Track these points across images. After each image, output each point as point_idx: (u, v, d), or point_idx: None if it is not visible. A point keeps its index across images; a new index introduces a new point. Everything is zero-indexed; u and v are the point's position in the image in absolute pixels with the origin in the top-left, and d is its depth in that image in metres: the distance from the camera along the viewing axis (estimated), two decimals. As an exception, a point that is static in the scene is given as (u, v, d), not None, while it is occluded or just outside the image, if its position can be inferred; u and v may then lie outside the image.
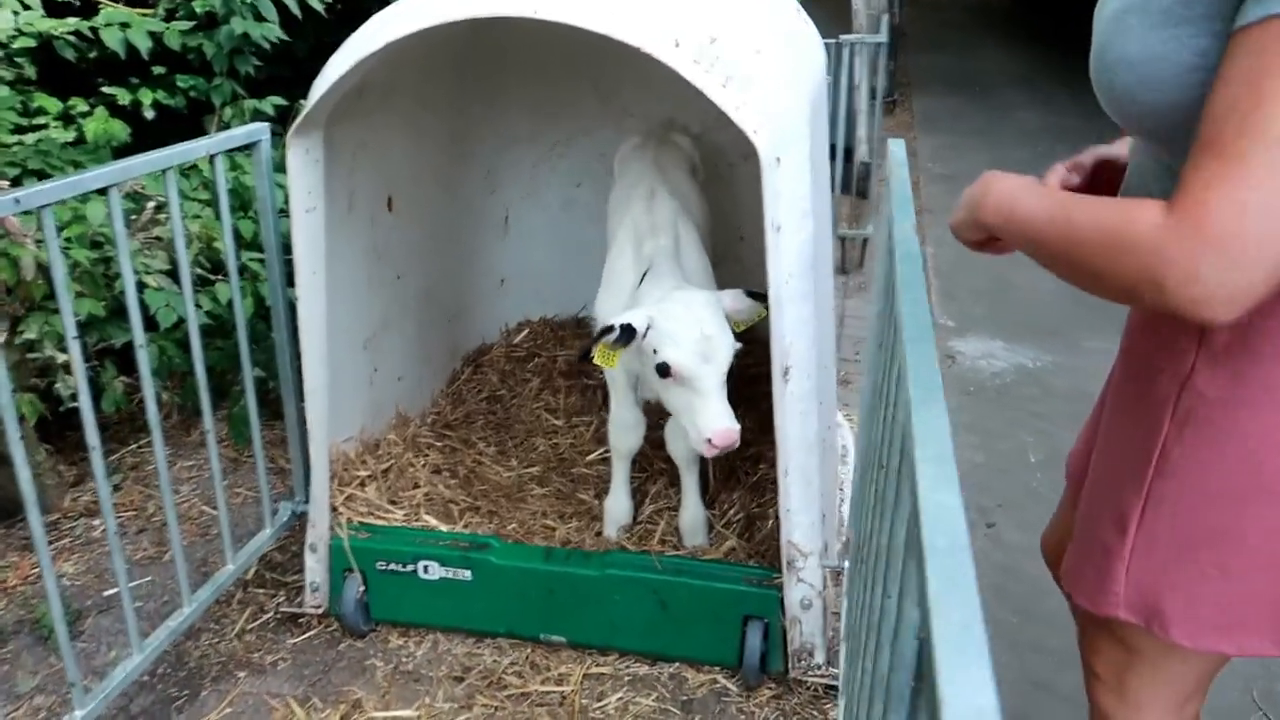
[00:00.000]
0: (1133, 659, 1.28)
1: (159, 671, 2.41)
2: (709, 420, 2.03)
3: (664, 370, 2.06)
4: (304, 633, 2.53)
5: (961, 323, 4.58)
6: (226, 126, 3.40)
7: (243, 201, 3.18)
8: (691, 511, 2.50)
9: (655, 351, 2.08)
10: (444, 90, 3.02)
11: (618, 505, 2.58)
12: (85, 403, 1.90)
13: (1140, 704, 1.30)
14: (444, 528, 2.51)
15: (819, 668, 2.27)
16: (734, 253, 3.66)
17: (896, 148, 1.96)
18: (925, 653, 0.68)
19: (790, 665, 2.27)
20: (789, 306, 2.01)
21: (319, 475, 2.39)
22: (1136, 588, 1.20)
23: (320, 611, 2.52)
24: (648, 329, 2.09)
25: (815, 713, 2.25)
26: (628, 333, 2.09)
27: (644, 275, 2.32)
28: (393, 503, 2.60)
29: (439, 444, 2.94)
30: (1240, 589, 1.15)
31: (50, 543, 2.84)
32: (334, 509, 2.47)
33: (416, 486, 2.69)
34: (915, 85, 10.33)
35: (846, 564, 2.36)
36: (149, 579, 2.74)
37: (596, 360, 2.13)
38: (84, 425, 1.91)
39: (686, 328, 2.06)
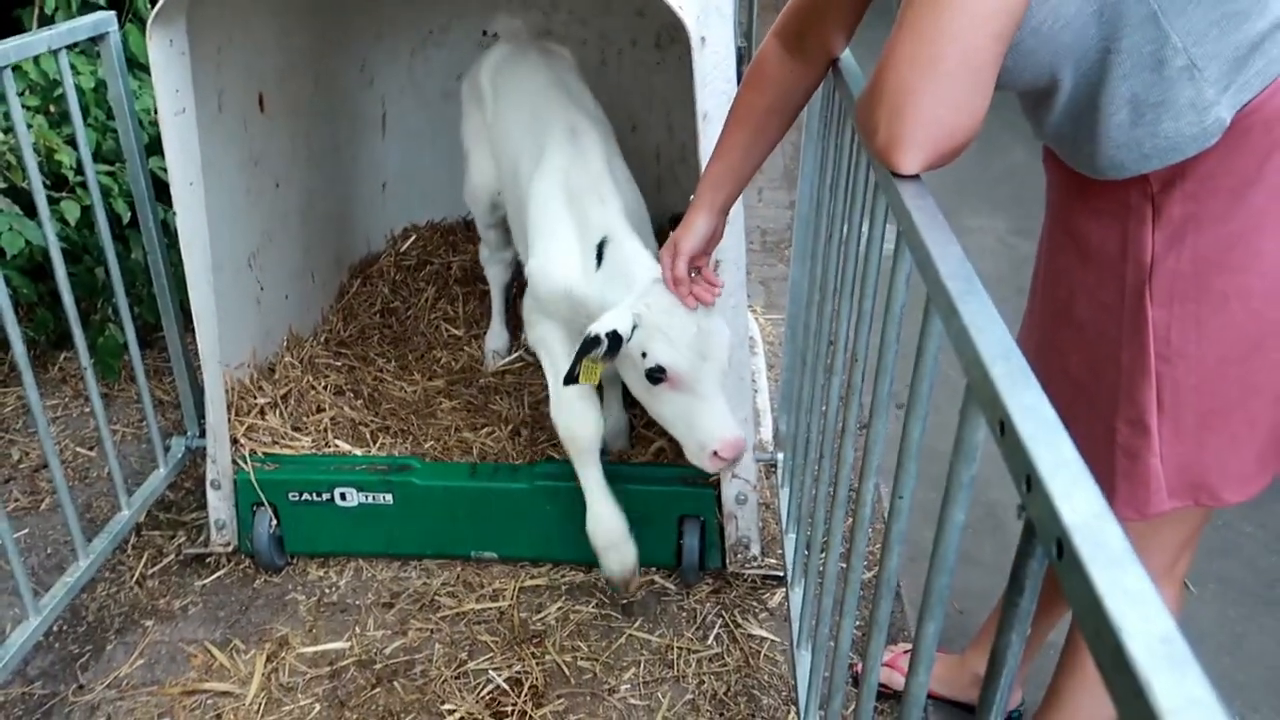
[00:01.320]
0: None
1: (54, 630, 2.23)
2: (712, 427, 1.75)
3: (657, 375, 1.74)
4: (212, 573, 2.39)
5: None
6: (50, 21, 3.00)
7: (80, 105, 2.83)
8: (615, 416, 2.46)
9: (644, 355, 1.75)
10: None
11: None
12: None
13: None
14: (358, 452, 2.40)
15: (755, 560, 2.31)
16: (626, 143, 3.55)
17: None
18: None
19: (727, 560, 2.30)
20: (720, 198, 1.95)
21: (216, 407, 2.22)
22: (1177, 473, 1.23)
23: (229, 550, 2.38)
24: (634, 329, 1.76)
25: (754, 603, 2.30)
26: (616, 342, 1.74)
27: (599, 249, 1.96)
28: (297, 429, 2.45)
29: (337, 363, 2.79)
30: (1264, 434, 1.22)
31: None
32: (235, 441, 2.31)
33: (320, 410, 2.54)
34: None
35: (780, 456, 2.38)
36: (26, 531, 2.52)
37: (584, 380, 1.80)
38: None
39: (680, 321, 1.72)
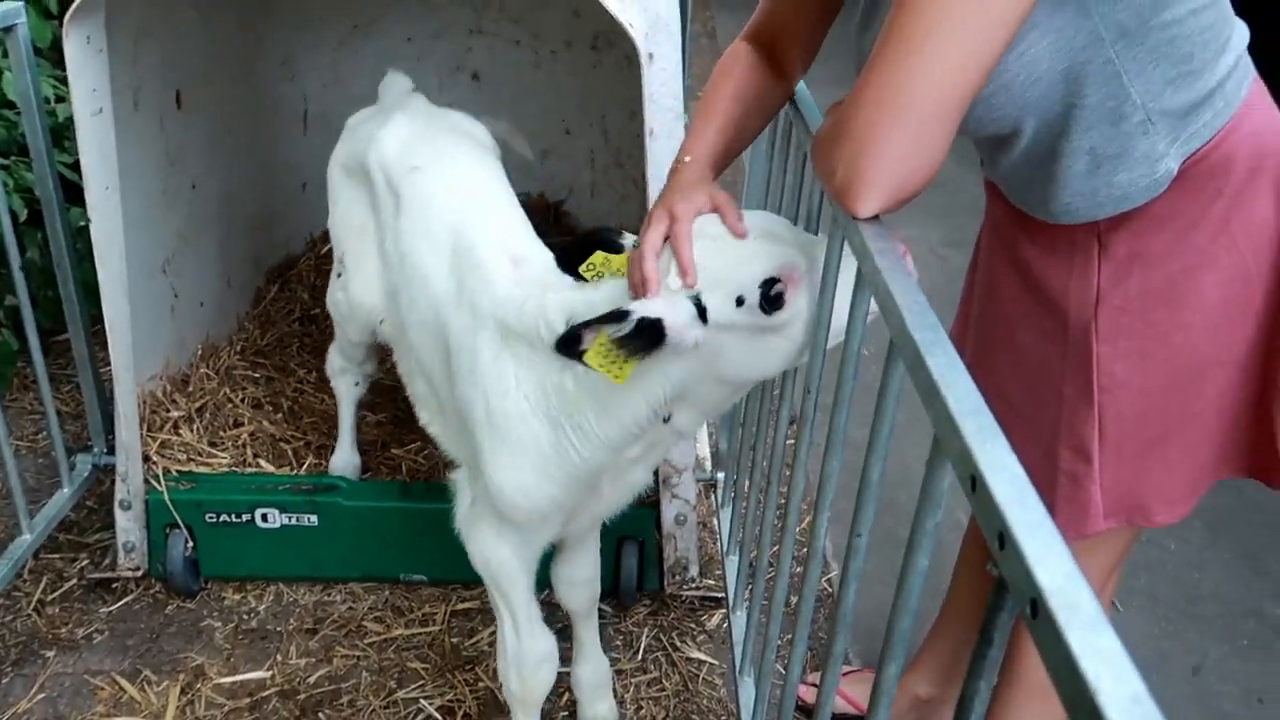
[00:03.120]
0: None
1: (-56, 662, 2.15)
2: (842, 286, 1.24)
3: (776, 301, 1.26)
4: (120, 599, 2.33)
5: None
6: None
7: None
8: (594, 666, 2.03)
9: (742, 299, 1.26)
10: (229, -39, 2.70)
11: None
12: None
13: None
14: (280, 470, 2.36)
15: (694, 581, 2.35)
16: (560, 148, 3.57)
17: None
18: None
19: (665, 581, 2.34)
20: (665, 216, 1.99)
21: (128, 423, 2.16)
22: (1114, 496, 1.32)
23: (138, 574, 2.32)
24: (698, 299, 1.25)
25: (692, 625, 2.34)
26: (656, 332, 1.23)
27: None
28: (214, 445, 2.41)
29: (255, 374, 2.74)
30: (1200, 457, 1.32)
31: None
32: (147, 459, 2.26)
33: (239, 425, 2.50)
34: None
35: (720, 476, 2.44)
36: (-91, 555, 2.42)
37: (596, 365, 1.27)
38: None
39: (757, 223, 1.30)
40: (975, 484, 0.75)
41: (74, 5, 1.79)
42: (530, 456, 1.51)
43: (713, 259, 1.27)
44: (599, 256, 1.39)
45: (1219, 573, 2.61)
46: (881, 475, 1.06)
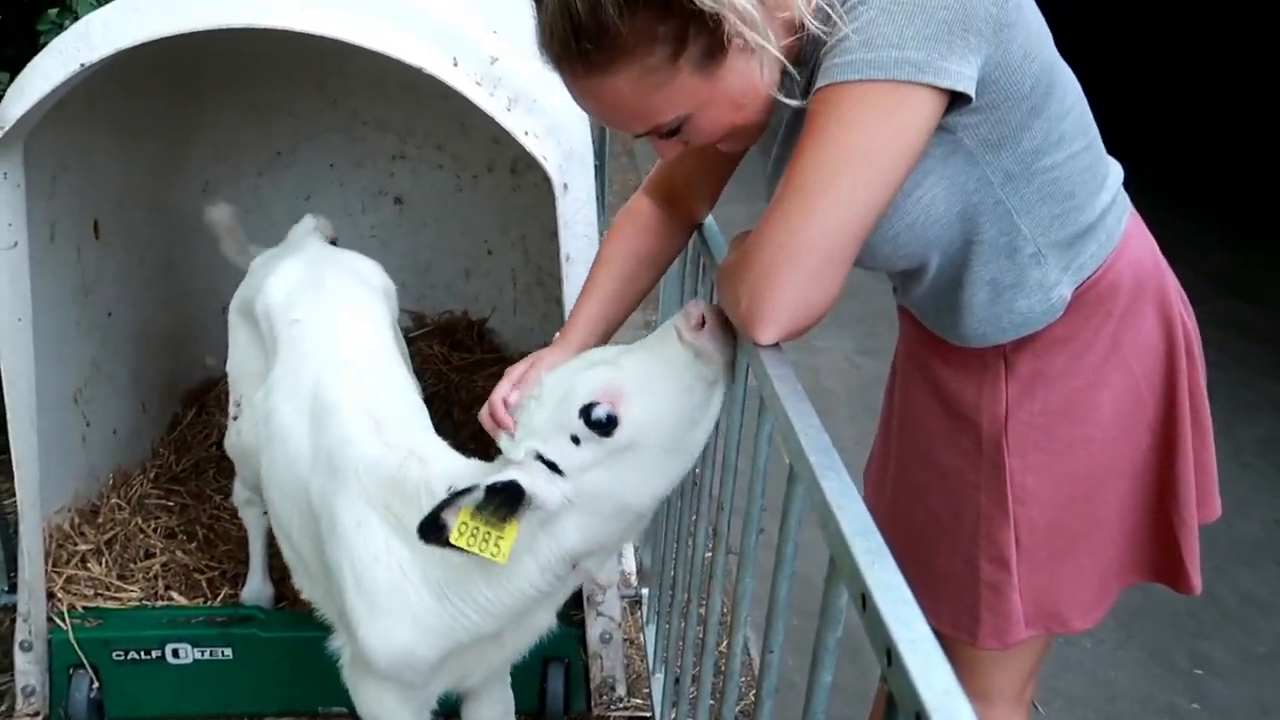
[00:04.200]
0: (976, 663, 1.45)
1: None
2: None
3: (608, 423, 1.26)
4: (17, 746, 2.22)
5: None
6: None
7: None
8: None
9: (576, 439, 1.27)
10: (150, 94, 2.75)
11: None
12: None
13: (992, 700, 1.48)
14: (193, 603, 2.31)
15: (621, 700, 2.33)
16: (482, 267, 3.65)
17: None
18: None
19: (593, 702, 2.32)
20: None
21: (33, 561, 2.10)
22: (1033, 604, 1.38)
23: (38, 719, 2.22)
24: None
25: (621, 747, 2.31)
26: (512, 493, 1.24)
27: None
28: (124, 578, 2.35)
29: (169, 503, 2.69)
30: (1108, 563, 1.40)
31: None
32: (51, 595, 2.18)
33: (150, 556, 2.44)
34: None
35: (645, 592, 2.44)
36: None
37: (468, 546, 1.26)
38: None
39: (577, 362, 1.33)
40: (865, 602, 0.79)
41: (-9, 142, 1.81)
42: (405, 625, 1.45)
43: (536, 413, 1.29)
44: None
45: (1132, 670, 2.68)
46: (789, 593, 1.11)
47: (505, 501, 1.24)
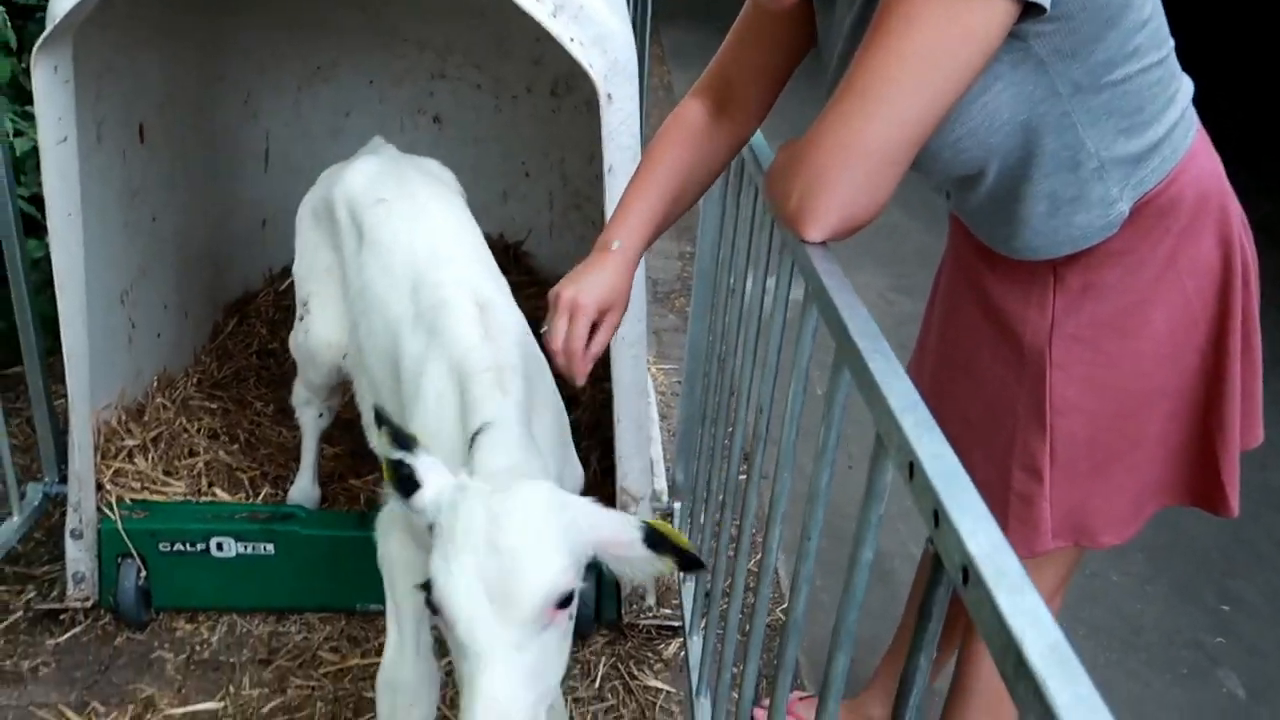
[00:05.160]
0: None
1: (-117, 696, 2.11)
2: (471, 697, 1.13)
3: (426, 595, 1.21)
4: (67, 630, 2.30)
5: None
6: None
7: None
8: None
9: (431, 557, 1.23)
10: (191, 6, 2.74)
11: None
12: None
13: None
14: (236, 499, 2.36)
15: (650, 610, 2.38)
16: (520, 190, 3.64)
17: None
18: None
19: (623, 610, 2.36)
20: (623, 249, 2.05)
21: (83, 451, 2.16)
22: (1062, 516, 1.39)
23: (87, 605, 2.30)
24: (438, 510, 1.24)
25: (649, 654, 2.37)
26: (406, 482, 1.27)
27: (475, 435, 1.41)
28: (169, 474, 2.41)
29: (212, 406, 2.74)
30: (1145, 482, 1.39)
31: None
32: (100, 487, 2.25)
33: (194, 454, 2.50)
34: (661, 18, 10.57)
35: (676, 506, 2.48)
36: None
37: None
38: None
39: (477, 536, 1.17)
40: (913, 470, 0.80)
41: (42, 36, 1.82)
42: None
43: (461, 519, 1.20)
44: None
45: (1159, 604, 2.69)
46: (830, 481, 1.12)
47: (401, 482, 1.27)
